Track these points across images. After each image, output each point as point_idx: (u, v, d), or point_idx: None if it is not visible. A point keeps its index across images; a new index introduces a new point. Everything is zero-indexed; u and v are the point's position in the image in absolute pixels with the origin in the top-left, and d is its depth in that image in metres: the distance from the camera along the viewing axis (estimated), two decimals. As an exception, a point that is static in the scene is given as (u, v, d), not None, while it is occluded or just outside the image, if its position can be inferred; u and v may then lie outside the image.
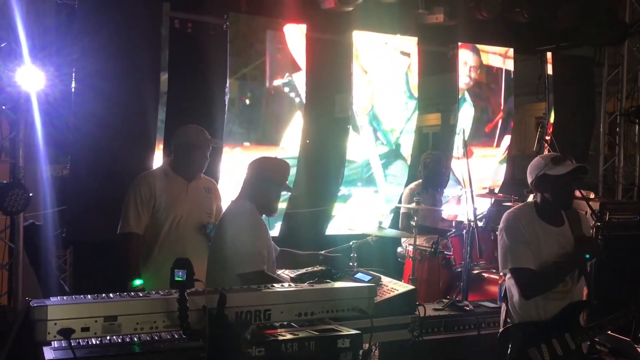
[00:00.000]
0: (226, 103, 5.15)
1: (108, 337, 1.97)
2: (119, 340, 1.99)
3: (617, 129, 7.01)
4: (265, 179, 3.21)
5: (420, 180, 5.78)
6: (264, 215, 3.26)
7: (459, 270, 4.71)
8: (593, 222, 5.91)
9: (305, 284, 2.55)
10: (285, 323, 2.33)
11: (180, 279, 1.94)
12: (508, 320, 3.06)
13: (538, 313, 2.97)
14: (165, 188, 3.55)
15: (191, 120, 4.11)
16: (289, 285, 2.49)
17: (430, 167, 5.69)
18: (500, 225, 3.09)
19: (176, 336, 2.05)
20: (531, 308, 2.98)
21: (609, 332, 4.18)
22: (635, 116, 6.64)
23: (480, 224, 4.85)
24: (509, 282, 3.06)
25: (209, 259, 3.28)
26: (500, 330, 2.99)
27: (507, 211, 3.13)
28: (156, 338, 2.04)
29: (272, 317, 2.27)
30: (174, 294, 2.03)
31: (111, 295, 2.11)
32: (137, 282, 3.44)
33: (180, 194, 3.57)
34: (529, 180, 3.10)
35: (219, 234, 3.19)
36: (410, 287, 3.25)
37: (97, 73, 4.63)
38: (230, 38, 5.17)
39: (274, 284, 2.48)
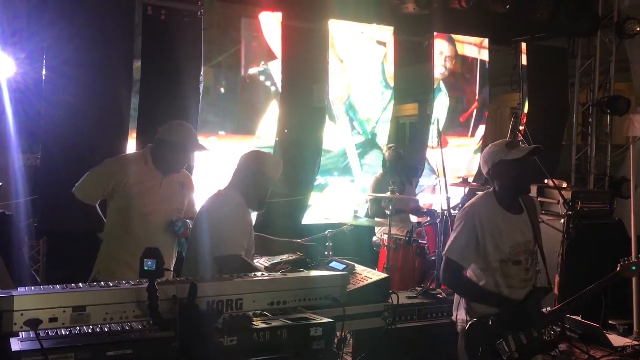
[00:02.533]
0: (200, 91, 5.11)
1: (77, 328, 1.95)
2: (89, 331, 1.97)
3: (590, 120, 7.11)
4: (259, 172, 3.18)
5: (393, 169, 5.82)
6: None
7: (433, 258, 4.76)
8: (565, 211, 6.04)
9: (278, 272, 2.54)
10: (258, 312, 2.33)
11: (149, 268, 1.92)
12: (470, 311, 3.04)
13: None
14: (139, 176, 3.48)
15: (164, 109, 4.08)
16: (262, 274, 2.48)
17: (391, 161, 5.74)
18: (459, 214, 3.11)
19: (146, 326, 2.03)
20: None
21: (578, 318, 4.28)
22: (607, 107, 6.73)
23: (454, 212, 4.89)
24: (469, 274, 3.08)
25: (187, 248, 3.25)
26: (468, 325, 2.96)
27: (469, 201, 3.14)
28: (126, 328, 2.02)
29: (244, 306, 2.26)
30: (144, 284, 2.01)
31: (80, 285, 2.08)
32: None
33: (153, 187, 3.50)
34: (485, 170, 3.09)
35: (201, 221, 3.15)
36: (384, 275, 3.27)
37: (68, 60, 4.55)
38: (204, 25, 5.12)
39: (247, 273, 2.47)
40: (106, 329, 1.98)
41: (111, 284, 2.11)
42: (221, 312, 2.19)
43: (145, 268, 1.93)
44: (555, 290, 5.80)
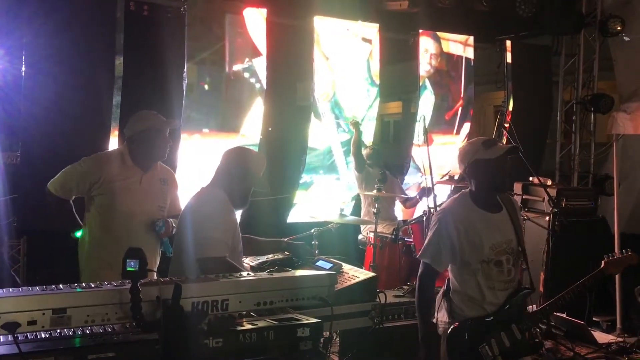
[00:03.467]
0: (184, 88, 5.04)
1: (58, 331, 1.89)
2: (70, 333, 1.91)
3: (573, 117, 7.14)
4: (244, 169, 3.13)
5: (380, 166, 5.80)
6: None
7: (420, 256, 4.73)
8: (550, 209, 6.07)
9: (265, 272, 2.50)
10: (244, 313, 2.28)
11: (132, 269, 1.86)
12: (452, 313, 3.00)
13: (483, 306, 2.94)
14: (118, 174, 3.41)
15: (147, 106, 3.99)
16: (248, 274, 2.43)
17: (370, 157, 5.74)
18: (434, 216, 3.06)
19: (129, 328, 1.98)
20: (476, 301, 2.94)
21: (564, 315, 4.29)
22: (591, 105, 6.77)
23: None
24: (451, 277, 3.04)
25: (174, 247, 3.20)
26: (450, 329, 2.92)
27: (445, 202, 3.11)
28: (109, 330, 1.97)
29: (230, 307, 2.21)
30: (126, 285, 1.96)
31: (61, 286, 2.02)
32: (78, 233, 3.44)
33: (133, 185, 3.43)
34: (461, 168, 3.04)
35: (185, 221, 3.09)
36: (371, 274, 3.23)
37: (49, 57, 4.47)
38: (188, 21, 5.05)
39: (233, 273, 2.42)
40: (88, 332, 1.93)
41: (93, 286, 2.05)
42: (206, 314, 2.14)
43: (128, 269, 1.87)
44: (541, 288, 5.83)
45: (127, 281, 1.97)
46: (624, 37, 6.55)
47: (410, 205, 6.00)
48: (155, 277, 2.11)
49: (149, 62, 4.99)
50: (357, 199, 6.05)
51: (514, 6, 6.22)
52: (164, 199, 3.56)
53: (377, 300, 3.21)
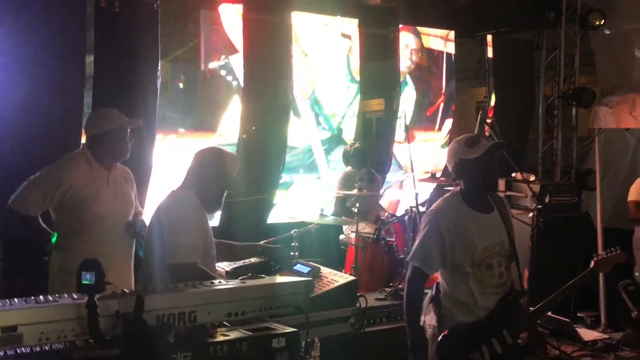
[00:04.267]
0: (158, 87, 4.89)
1: (8, 351, 1.75)
2: (26, 351, 1.78)
3: (555, 112, 7.10)
4: (217, 170, 3.01)
5: (363, 165, 5.71)
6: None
7: (402, 256, 4.64)
8: (534, 205, 6.01)
9: (237, 280, 2.37)
10: (216, 324, 2.17)
11: (88, 282, 1.73)
12: (441, 317, 2.88)
13: (475, 311, 2.84)
14: (87, 177, 3.26)
15: (120, 106, 3.85)
16: (219, 282, 2.30)
17: (355, 156, 5.64)
18: (424, 217, 2.95)
19: (88, 345, 1.84)
20: (467, 305, 2.84)
21: (549, 313, 4.21)
22: (572, 99, 6.72)
23: (422, 209, 4.79)
24: (442, 283, 2.93)
25: (144, 252, 3.07)
26: (441, 336, 2.80)
27: (436, 202, 3.00)
28: (66, 347, 1.83)
29: (199, 319, 2.09)
30: (84, 299, 1.82)
31: (15, 301, 1.88)
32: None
33: (103, 185, 3.30)
34: (450, 168, 2.95)
35: (155, 225, 2.97)
36: (351, 278, 3.13)
37: (18, 56, 4.29)
38: (161, 18, 4.89)
39: (203, 282, 2.29)
40: (42, 350, 1.79)
41: (48, 299, 1.91)
42: (172, 327, 2.01)
43: (83, 282, 1.74)
44: (525, 285, 5.77)
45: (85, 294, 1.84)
46: (605, 31, 6.51)
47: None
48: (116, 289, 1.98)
49: (120, 61, 4.82)
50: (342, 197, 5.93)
51: (495, 0, 6.15)
52: (130, 197, 3.45)
53: (358, 304, 3.11)
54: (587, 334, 5.20)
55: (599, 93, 6.46)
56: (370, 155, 5.99)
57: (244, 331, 2.17)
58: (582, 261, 3.16)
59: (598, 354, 4.77)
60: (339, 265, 4.95)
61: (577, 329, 5.26)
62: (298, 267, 3.26)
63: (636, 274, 5.07)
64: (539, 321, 3.85)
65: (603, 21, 6.39)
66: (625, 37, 6.40)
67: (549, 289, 3.11)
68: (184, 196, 2.96)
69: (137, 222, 3.38)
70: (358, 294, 3.24)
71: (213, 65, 5.25)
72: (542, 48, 7.16)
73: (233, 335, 2.12)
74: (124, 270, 3.34)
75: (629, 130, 6.20)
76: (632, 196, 4.83)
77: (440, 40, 6.83)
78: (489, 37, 7.06)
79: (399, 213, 5.59)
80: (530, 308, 3.07)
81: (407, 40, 6.57)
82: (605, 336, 5.18)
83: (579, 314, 5.75)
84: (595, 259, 3.05)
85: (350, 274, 4.59)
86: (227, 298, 2.16)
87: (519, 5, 6.50)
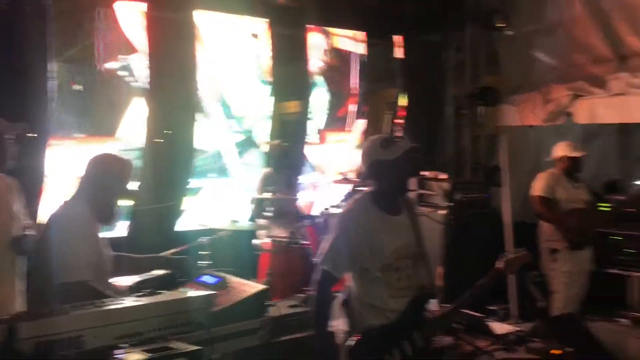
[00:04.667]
0: (50, 89, 4.53)
1: None
2: None
3: (463, 111, 7.27)
4: (108, 178, 2.81)
5: (274, 168, 5.58)
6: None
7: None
8: (445, 202, 6.11)
9: (131, 298, 2.16)
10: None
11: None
12: (352, 321, 2.82)
13: (385, 314, 2.78)
14: None
15: (8, 111, 3.55)
16: (111, 301, 2.09)
17: (277, 157, 5.52)
18: (333, 219, 2.88)
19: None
20: (378, 309, 2.79)
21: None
22: (479, 98, 6.91)
23: (336, 210, 4.72)
24: (351, 282, 2.86)
25: (33, 272, 2.79)
26: (354, 341, 2.72)
27: (346, 204, 2.94)
28: None
29: (88, 344, 1.88)
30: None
31: None
32: None
33: None
34: (363, 168, 2.90)
35: (44, 240, 2.72)
36: (261, 287, 2.99)
37: None
38: (53, 15, 4.54)
39: (94, 302, 2.08)
40: None
41: None
42: (55, 355, 1.79)
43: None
44: (439, 282, 5.84)
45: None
46: (508, 32, 6.73)
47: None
48: None
49: (7, 61, 4.43)
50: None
51: (404, 1, 6.21)
52: (14, 210, 3.12)
53: (269, 314, 2.96)
54: (500, 328, 5.31)
55: (504, 92, 6.67)
56: (293, 157, 5.89)
57: (145, 352, 1.98)
58: (494, 256, 3.16)
59: (510, 347, 4.86)
60: (253, 274, 4.79)
61: (490, 322, 5.36)
62: (205, 278, 3.08)
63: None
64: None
65: (506, 22, 6.60)
66: (527, 38, 6.65)
67: (463, 284, 3.10)
68: (74, 208, 2.73)
69: (24, 238, 3.07)
70: (270, 303, 3.10)
71: (111, 65, 4.94)
72: (450, 49, 7.31)
73: (132, 357, 1.94)
74: (10, 291, 3.02)
75: (532, 127, 6.42)
76: (535, 191, 4.98)
77: (351, 41, 6.82)
78: (399, 38, 7.13)
79: (314, 215, 5.49)
80: (446, 305, 3.05)
81: (317, 41, 6.51)
82: (517, 329, 5.30)
83: (490, 307, 5.88)
84: (502, 259, 3.05)
85: (265, 281, 4.45)
86: (119, 319, 1.96)
87: (426, 6, 6.59)
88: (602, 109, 5.48)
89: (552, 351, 4.44)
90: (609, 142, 7.58)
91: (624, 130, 7.55)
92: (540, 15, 6.49)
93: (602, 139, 7.22)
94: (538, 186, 4.96)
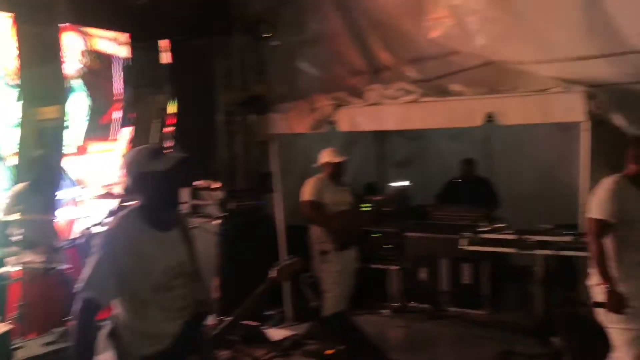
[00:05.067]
0: None
1: None
2: None
3: (234, 119, 7.27)
4: None
5: (27, 183, 4.91)
6: None
7: (80, 285, 4.08)
8: (220, 212, 6.03)
9: None
10: None
11: None
12: (121, 355, 2.57)
13: (159, 340, 2.57)
14: None
15: None
16: None
17: (36, 173, 4.89)
18: (97, 240, 2.58)
19: None
20: (151, 335, 2.56)
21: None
22: (248, 106, 6.97)
23: (100, 229, 4.31)
24: (119, 309, 2.60)
25: None
26: None
27: (110, 221, 2.66)
28: None
29: None
30: None
31: None
32: None
33: None
34: (128, 181, 2.66)
35: None
36: (3, 328, 2.53)
37: None
38: None
39: None
40: None
41: None
42: None
43: None
44: (216, 294, 5.73)
45: None
46: (275, 42, 6.90)
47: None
48: None
49: None
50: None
51: (170, 5, 5.96)
52: None
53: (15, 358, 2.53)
54: (277, 334, 5.39)
55: (273, 100, 6.81)
56: (41, 169, 5.20)
57: None
58: (270, 262, 3.13)
59: (287, 352, 4.96)
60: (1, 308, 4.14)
61: (266, 329, 5.41)
62: None
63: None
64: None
65: (272, 32, 6.76)
66: (292, 49, 6.89)
67: (241, 293, 3.03)
68: None
69: None
70: (17, 344, 2.66)
71: None
72: (217, 56, 7.25)
73: None
74: None
75: (301, 135, 6.66)
76: (304, 196, 5.15)
77: (112, 43, 6.34)
78: (166, 42, 6.84)
79: (74, 236, 4.96)
80: (223, 318, 2.94)
81: (73, 41, 5.91)
82: (293, 333, 5.43)
83: (266, 313, 5.95)
84: (275, 268, 3.05)
85: (15, 315, 3.88)
86: None
87: (194, 11, 6.42)
88: (360, 117, 5.90)
89: (326, 352, 4.64)
90: (367, 148, 8.26)
91: (379, 137, 8.30)
92: (304, 28, 6.78)
93: (361, 145, 7.83)
94: (307, 191, 5.14)
